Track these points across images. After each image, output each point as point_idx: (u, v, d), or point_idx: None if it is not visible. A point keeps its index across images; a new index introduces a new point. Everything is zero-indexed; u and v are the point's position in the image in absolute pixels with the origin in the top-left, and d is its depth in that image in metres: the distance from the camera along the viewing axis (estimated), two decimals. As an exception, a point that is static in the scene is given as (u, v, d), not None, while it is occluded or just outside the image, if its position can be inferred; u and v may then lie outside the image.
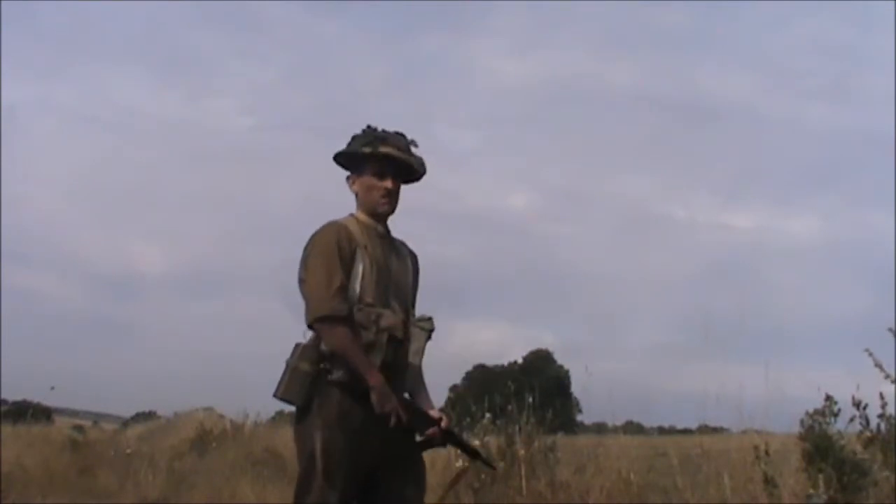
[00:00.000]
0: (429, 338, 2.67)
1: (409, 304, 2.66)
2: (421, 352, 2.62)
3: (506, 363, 30.64)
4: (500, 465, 5.71)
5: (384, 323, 2.50)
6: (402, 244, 2.74)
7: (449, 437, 2.64)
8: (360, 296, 2.50)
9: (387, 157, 2.61)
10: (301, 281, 2.56)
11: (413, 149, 2.68)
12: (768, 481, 4.50)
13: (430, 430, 2.54)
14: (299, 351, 2.51)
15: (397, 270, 2.64)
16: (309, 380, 2.48)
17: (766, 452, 4.57)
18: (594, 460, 5.65)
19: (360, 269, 2.53)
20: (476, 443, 5.42)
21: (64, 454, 9.91)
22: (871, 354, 4.24)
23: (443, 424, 2.57)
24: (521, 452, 5.81)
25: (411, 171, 2.69)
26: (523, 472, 5.63)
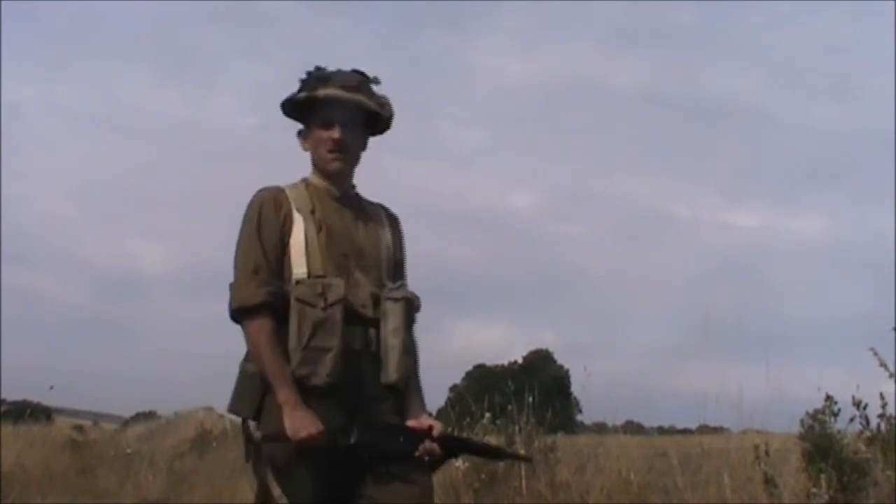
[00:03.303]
0: (410, 309, 2.12)
1: (383, 275, 2.13)
2: (401, 330, 2.06)
3: (506, 363, 30.58)
4: (501, 465, 5.70)
5: (333, 295, 1.98)
6: (378, 206, 2.26)
7: (454, 446, 2.12)
8: (309, 270, 2.02)
9: (329, 100, 2.11)
10: None
11: (375, 87, 2.17)
12: (768, 481, 4.50)
13: (423, 448, 2.01)
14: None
15: (364, 237, 2.14)
16: (257, 382, 1.99)
17: (766, 452, 4.56)
18: (594, 460, 5.65)
19: (300, 237, 2.05)
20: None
21: (64, 454, 9.90)
22: (876, 353, 4.23)
23: (434, 433, 2.04)
24: (522, 452, 5.79)
25: (372, 117, 2.17)
26: (523, 472, 5.62)
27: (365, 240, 2.15)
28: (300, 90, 2.15)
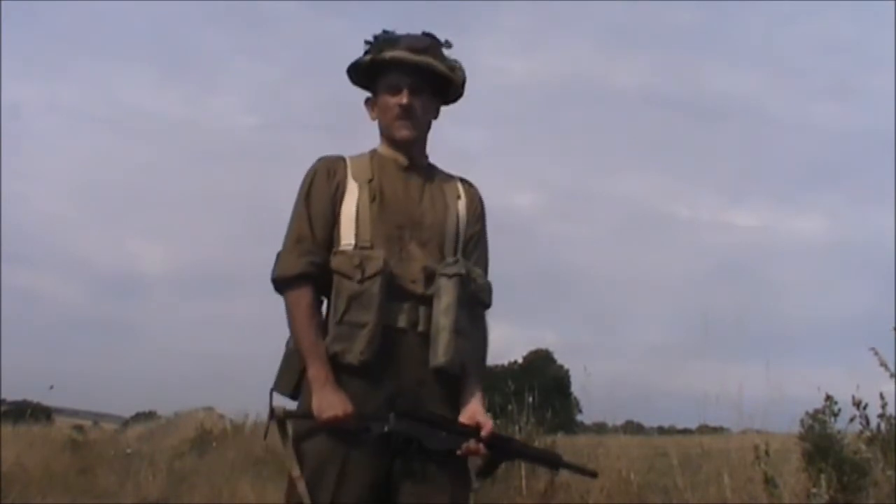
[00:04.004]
0: (467, 286, 1.91)
1: (446, 250, 1.96)
2: (453, 308, 1.86)
3: (506, 363, 30.56)
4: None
5: (372, 267, 1.84)
6: (456, 179, 2.09)
7: (504, 449, 1.87)
8: (356, 241, 1.91)
9: (396, 62, 1.98)
10: None
11: (445, 51, 2.03)
12: (768, 481, 4.49)
13: (466, 447, 1.81)
14: None
15: (429, 208, 1.99)
16: (297, 359, 1.90)
17: (766, 452, 4.56)
18: (594, 460, 5.64)
19: (352, 207, 1.93)
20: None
21: (64, 454, 9.89)
22: (876, 353, 4.23)
23: (484, 433, 1.82)
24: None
25: (443, 81, 2.02)
26: (523, 472, 5.62)
27: (429, 211, 1.99)
28: (365, 53, 2.02)
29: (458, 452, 1.81)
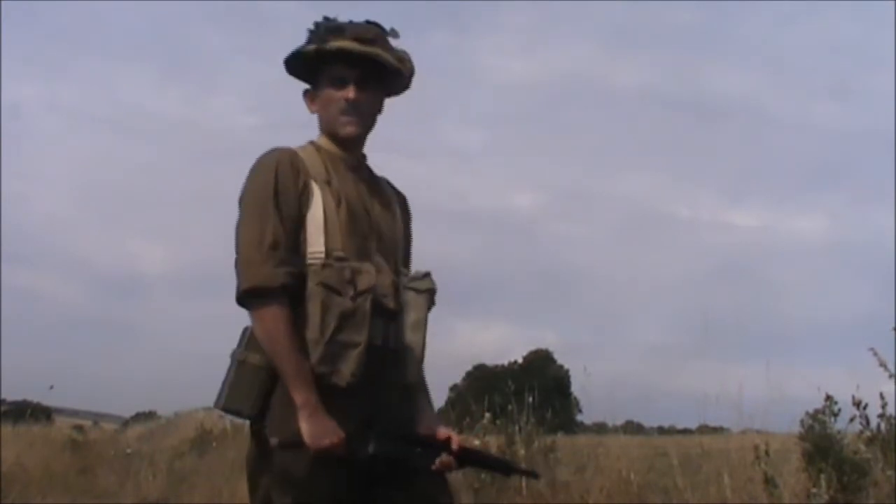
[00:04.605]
0: (431, 304, 1.88)
1: (399, 262, 1.91)
2: (422, 325, 1.85)
3: (506, 363, 30.56)
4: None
5: (363, 283, 1.74)
6: (387, 183, 2.00)
7: (469, 459, 1.89)
8: (327, 249, 1.76)
9: (342, 53, 1.82)
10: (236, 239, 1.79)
11: (392, 41, 1.89)
12: (768, 481, 4.49)
13: (440, 461, 1.80)
14: (247, 336, 1.77)
15: (381, 216, 1.90)
16: (262, 377, 1.73)
17: (766, 452, 4.55)
18: (594, 460, 5.64)
19: (318, 211, 1.78)
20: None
21: (64, 454, 9.90)
22: (876, 353, 4.23)
23: (454, 446, 1.82)
24: (521, 452, 5.80)
25: (392, 73, 1.88)
26: (523, 472, 5.61)
27: (382, 219, 1.90)
28: (308, 42, 1.87)
29: (434, 468, 1.79)
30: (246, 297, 1.73)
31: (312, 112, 1.92)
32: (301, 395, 1.69)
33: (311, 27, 1.88)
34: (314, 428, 1.69)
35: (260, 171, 1.81)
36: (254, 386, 1.73)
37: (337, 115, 1.86)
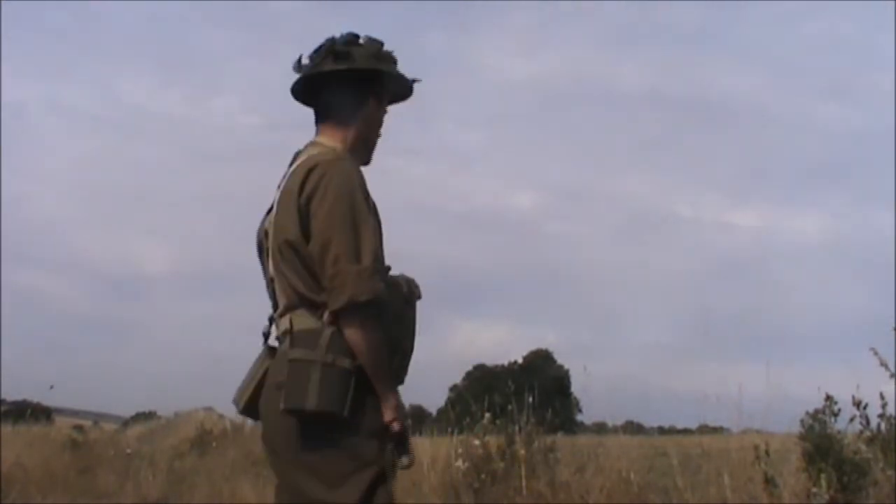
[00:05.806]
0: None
1: None
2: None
3: (506, 363, 30.61)
4: (501, 465, 5.71)
5: (418, 294, 1.99)
6: None
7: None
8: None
9: (410, 91, 2.02)
10: (322, 245, 1.82)
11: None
12: (768, 481, 4.50)
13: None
14: (326, 340, 1.81)
15: None
16: (350, 381, 1.80)
17: (766, 452, 4.56)
18: (594, 460, 5.64)
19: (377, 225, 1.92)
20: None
21: (64, 454, 9.90)
22: (876, 353, 4.23)
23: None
24: (521, 452, 5.80)
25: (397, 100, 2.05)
26: (523, 472, 5.62)
27: None
28: (381, 58, 1.92)
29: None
30: (361, 307, 1.80)
31: (359, 119, 1.95)
32: (396, 395, 1.89)
33: (367, 40, 1.92)
34: (402, 418, 1.89)
35: (354, 183, 1.87)
36: (347, 388, 1.80)
37: (375, 143, 2.00)
